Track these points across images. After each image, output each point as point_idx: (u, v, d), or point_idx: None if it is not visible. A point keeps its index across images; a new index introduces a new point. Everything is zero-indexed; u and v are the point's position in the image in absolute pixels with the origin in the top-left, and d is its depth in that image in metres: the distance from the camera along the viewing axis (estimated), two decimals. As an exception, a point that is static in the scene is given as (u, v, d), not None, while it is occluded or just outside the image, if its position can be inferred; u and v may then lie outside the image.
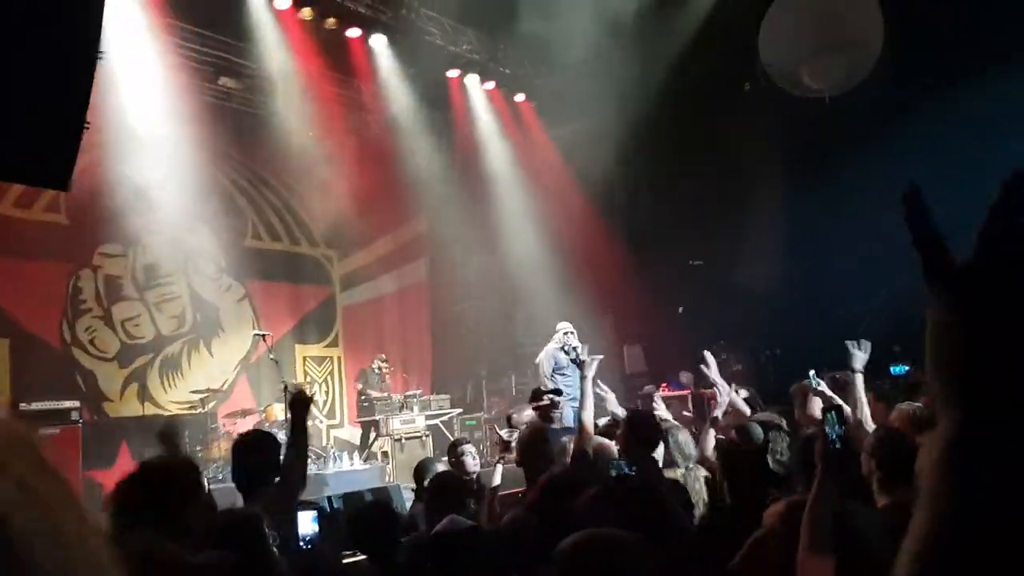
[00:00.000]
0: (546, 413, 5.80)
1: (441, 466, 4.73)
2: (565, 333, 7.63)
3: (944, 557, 0.42)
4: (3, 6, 3.34)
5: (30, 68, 3.46)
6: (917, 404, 3.64)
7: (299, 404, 3.31)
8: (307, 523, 3.37)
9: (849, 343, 4.20)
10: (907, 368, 6.89)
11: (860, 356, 4.13)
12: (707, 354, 4.99)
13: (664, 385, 9.89)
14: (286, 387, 7.57)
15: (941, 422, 0.45)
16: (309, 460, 8.74)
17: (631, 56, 9.28)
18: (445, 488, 3.75)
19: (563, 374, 7.48)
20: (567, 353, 7.52)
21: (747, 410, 4.89)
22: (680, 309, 10.77)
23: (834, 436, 2.22)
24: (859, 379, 4.11)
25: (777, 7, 8.45)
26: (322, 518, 4.39)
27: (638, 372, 11.39)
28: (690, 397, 9.83)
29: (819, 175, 8.60)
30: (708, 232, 9.99)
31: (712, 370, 4.90)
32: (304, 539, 3.32)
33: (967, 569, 0.41)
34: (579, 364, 4.63)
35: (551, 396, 6.08)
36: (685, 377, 10.17)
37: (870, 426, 3.76)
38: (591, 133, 10.33)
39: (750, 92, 9.47)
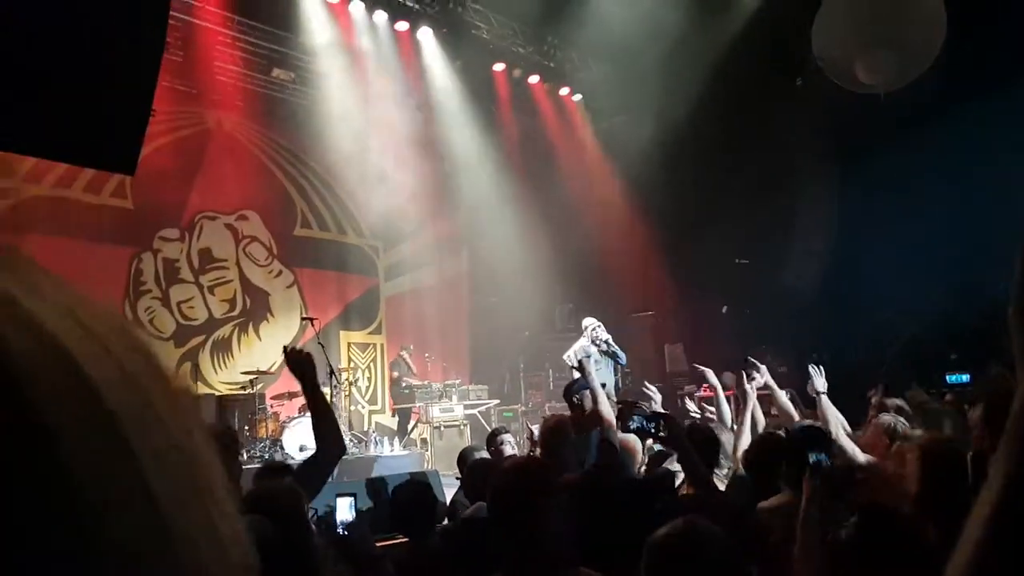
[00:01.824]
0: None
1: (483, 454, 4.83)
2: (593, 328, 7.72)
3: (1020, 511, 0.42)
4: (75, 2, 3.52)
5: (101, 59, 3.65)
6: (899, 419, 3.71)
7: (298, 363, 2.98)
8: (345, 509, 3.45)
9: (811, 367, 4.22)
10: (966, 377, 6.55)
11: (820, 380, 4.15)
12: (755, 362, 4.91)
13: (705, 386, 9.83)
14: (332, 371, 7.78)
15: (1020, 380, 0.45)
16: (351, 444, 8.91)
17: (678, 50, 9.21)
18: (482, 475, 3.83)
19: (595, 368, 7.54)
20: (597, 346, 7.59)
21: (795, 414, 4.79)
22: (724, 308, 10.67)
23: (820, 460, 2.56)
24: (824, 400, 4.11)
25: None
26: (372, 493, 4.51)
27: (678, 372, 11.33)
28: (732, 398, 9.76)
29: (870, 173, 8.44)
30: (754, 230, 9.87)
31: (764, 375, 4.79)
32: (342, 524, 3.41)
33: None
34: (612, 355, 4.66)
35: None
36: (728, 378, 10.08)
37: (845, 444, 3.73)
38: (635, 127, 10.30)
39: (801, 88, 9.31)
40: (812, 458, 2.60)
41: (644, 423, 3.35)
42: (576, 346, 7.90)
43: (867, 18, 7.90)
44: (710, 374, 5.01)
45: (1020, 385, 0.45)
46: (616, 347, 7.85)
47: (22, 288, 0.30)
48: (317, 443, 2.98)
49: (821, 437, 3.15)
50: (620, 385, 8.23)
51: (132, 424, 0.30)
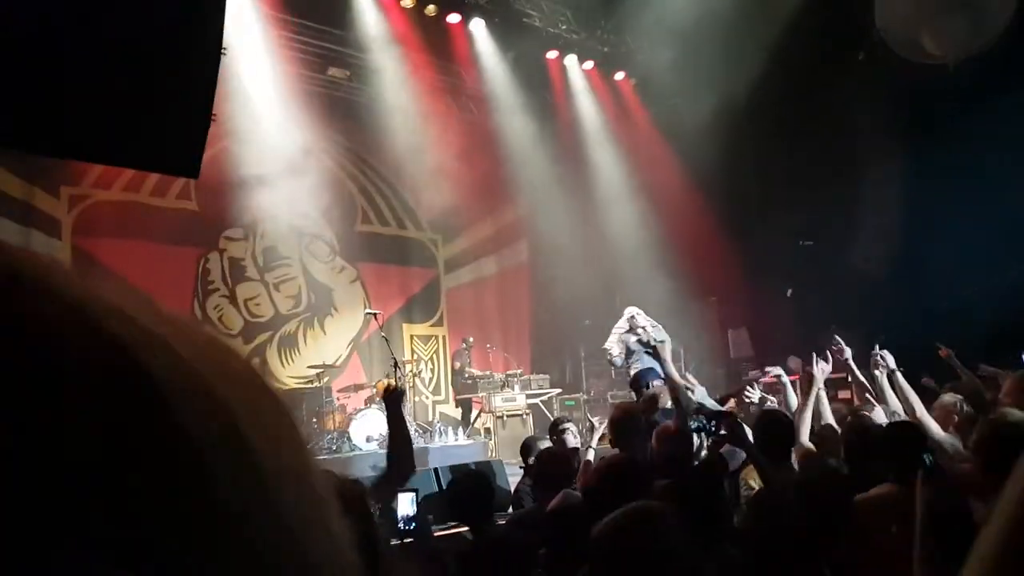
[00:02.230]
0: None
1: (545, 443, 4.86)
2: (632, 317, 7.58)
3: None
4: (138, 9, 3.66)
5: (162, 68, 3.78)
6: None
7: (391, 399, 3.55)
8: (406, 505, 3.52)
9: (876, 351, 4.16)
10: None
11: (890, 359, 4.03)
12: (839, 340, 4.78)
13: (769, 373, 9.62)
14: (396, 363, 7.91)
15: None
16: (416, 434, 9.07)
17: (734, 29, 8.99)
18: (551, 464, 3.85)
19: (639, 360, 7.44)
20: (638, 336, 7.44)
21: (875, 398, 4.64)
22: (788, 291, 10.41)
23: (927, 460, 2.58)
24: (899, 379, 4.05)
25: (895, -32, 7.95)
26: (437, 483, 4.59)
27: (743, 357, 11.12)
28: (799, 383, 9.53)
29: (936, 150, 8.07)
30: (817, 211, 9.59)
31: (846, 353, 4.67)
32: (404, 519, 3.48)
33: None
34: (650, 347, 4.60)
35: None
36: (794, 363, 9.84)
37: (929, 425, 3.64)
38: (693, 109, 10.10)
39: (863, 63, 8.97)
40: (927, 460, 2.59)
41: (704, 422, 3.34)
42: (613, 339, 7.78)
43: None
44: (777, 369, 4.90)
45: None
46: (657, 335, 7.62)
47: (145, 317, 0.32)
48: (390, 463, 3.26)
49: (922, 434, 3.12)
50: (659, 373, 8.10)
51: (265, 450, 0.31)
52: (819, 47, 9.17)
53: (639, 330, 7.41)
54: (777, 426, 3.61)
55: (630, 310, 7.77)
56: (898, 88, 8.34)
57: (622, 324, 7.65)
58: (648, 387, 5.69)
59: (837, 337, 4.79)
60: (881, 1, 8.10)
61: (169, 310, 0.34)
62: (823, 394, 4.41)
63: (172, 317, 0.34)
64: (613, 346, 7.62)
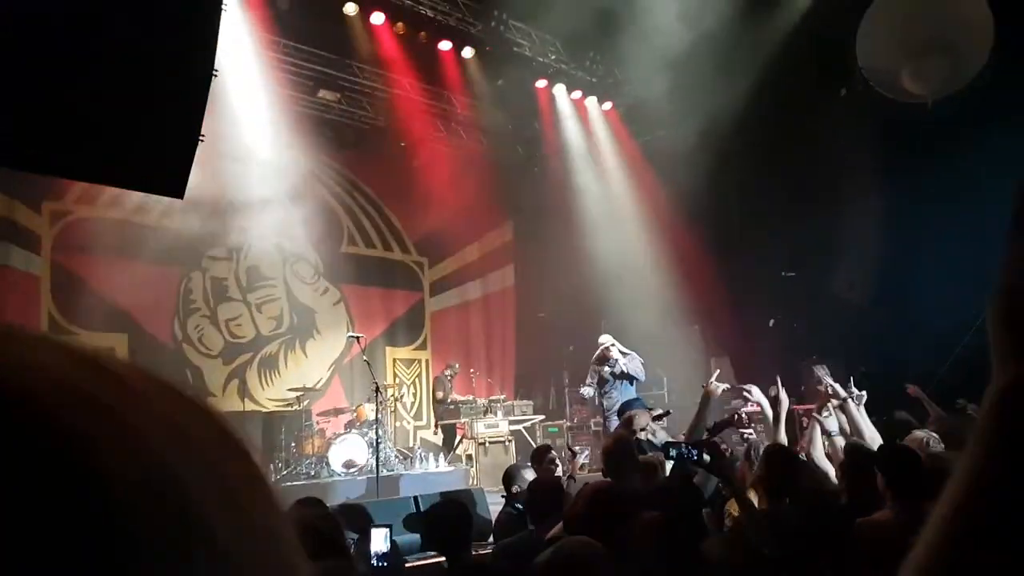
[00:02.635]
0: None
1: (529, 472, 4.81)
2: (606, 348, 7.59)
3: (982, 505, 0.41)
4: (128, 28, 3.65)
5: (151, 87, 3.77)
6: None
7: None
8: (380, 541, 3.47)
9: (851, 382, 4.36)
10: None
11: (852, 387, 4.17)
12: (820, 367, 4.90)
13: (752, 401, 9.64)
14: (377, 387, 7.86)
15: (996, 376, 0.44)
16: (396, 460, 8.98)
17: (720, 62, 9.14)
18: (542, 493, 3.81)
19: (610, 388, 7.47)
20: (611, 367, 7.44)
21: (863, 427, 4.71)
22: (772, 321, 10.48)
23: None
24: (851, 405, 4.27)
25: (876, 8, 8.12)
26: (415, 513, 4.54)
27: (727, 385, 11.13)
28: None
29: (917, 184, 8.21)
30: (801, 242, 9.69)
31: (826, 376, 4.79)
32: (377, 555, 3.42)
33: (1004, 516, 0.40)
34: (625, 377, 4.60)
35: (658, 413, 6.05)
36: (774, 391, 9.89)
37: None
38: (679, 139, 10.23)
39: (846, 97, 9.14)
40: None
41: (684, 450, 3.34)
42: (590, 378, 7.78)
43: (912, 25, 7.73)
44: (755, 391, 4.93)
45: (993, 383, 0.44)
46: (632, 366, 7.59)
47: (102, 384, 0.30)
48: None
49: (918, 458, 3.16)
50: (645, 404, 8.09)
51: (216, 517, 0.30)
52: (803, 82, 9.34)
53: (611, 361, 7.42)
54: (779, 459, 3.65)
55: (603, 339, 7.77)
56: (880, 120, 8.49)
57: (596, 355, 7.67)
58: (631, 415, 5.67)
59: (815, 365, 4.88)
60: (862, 41, 8.28)
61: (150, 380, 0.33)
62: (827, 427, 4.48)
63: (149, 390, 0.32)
64: (588, 379, 7.65)
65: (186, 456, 0.30)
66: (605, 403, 7.70)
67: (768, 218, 9.91)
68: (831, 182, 9.24)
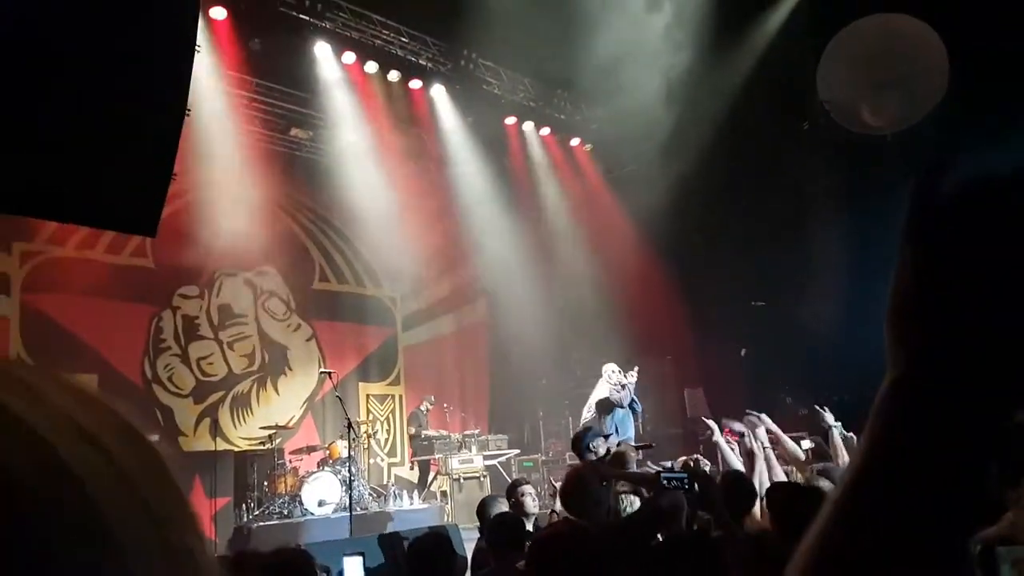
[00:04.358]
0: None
1: (504, 505, 4.79)
2: (613, 372, 7.66)
3: (861, 503, 0.45)
4: (100, 67, 3.68)
5: (123, 126, 3.79)
6: None
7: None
8: (354, 569, 3.44)
9: (817, 407, 4.36)
10: None
11: (829, 416, 4.26)
12: (755, 416, 4.99)
13: (727, 430, 9.71)
14: (350, 424, 7.79)
15: (887, 376, 0.47)
16: (370, 498, 8.84)
17: (686, 99, 9.38)
18: (503, 528, 3.79)
19: (614, 418, 7.49)
20: (619, 396, 7.49)
21: (801, 457, 4.81)
22: (743, 351, 10.61)
23: None
24: (835, 434, 4.43)
25: (836, 43, 8.41)
26: (386, 549, 4.48)
27: (699, 416, 11.20)
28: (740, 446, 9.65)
29: (881, 213, 8.43)
30: (768, 272, 9.88)
31: (764, 423, 4.86)
32: None
33: (880, 514, 0.44)
34: (631, 408, 4.64)
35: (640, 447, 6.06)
36: (738, 425, 9.97)
37: None
38: (646, 175, 10.43)
39: (809, 131, 9.42)
40: None
41: (671, 480, 3.38)
42: (596, 394, 7.82)
43: (871, 60, 8.00)
44: (716, 433, 5.02)
45: (883, 386, 0.48)
46: (634, 396, 7.77)
47: (20, 396, 0.33)
48: None
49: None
50: (641, 432, 8.16)
51: (127, 532, 0.32)
52: (767, 116, 9.61)
53: (616, 386, 7.44)
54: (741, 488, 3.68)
55: (610, 367, 7.83)
56: (843, 155, 8.75)
57: (604, 383, 7.70)
58: (589, 448, 5.59)
59: (753, 414, 4.97)
60: (823, 75, 8.55)
61: (66, 388, 0.36)
62: (773, 465, 4.52)
63: (60, 395, 0.35)
64: (591, 408, 7.69)
65: (78, 445, 0.33)
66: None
67: (737, 249, 10.10)
68: (798, 214, 9.47)
